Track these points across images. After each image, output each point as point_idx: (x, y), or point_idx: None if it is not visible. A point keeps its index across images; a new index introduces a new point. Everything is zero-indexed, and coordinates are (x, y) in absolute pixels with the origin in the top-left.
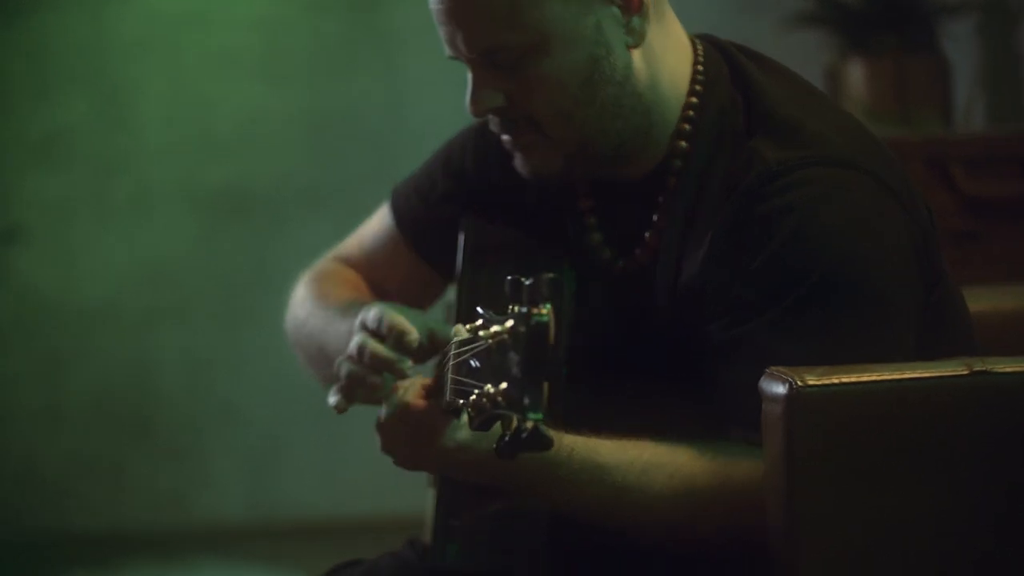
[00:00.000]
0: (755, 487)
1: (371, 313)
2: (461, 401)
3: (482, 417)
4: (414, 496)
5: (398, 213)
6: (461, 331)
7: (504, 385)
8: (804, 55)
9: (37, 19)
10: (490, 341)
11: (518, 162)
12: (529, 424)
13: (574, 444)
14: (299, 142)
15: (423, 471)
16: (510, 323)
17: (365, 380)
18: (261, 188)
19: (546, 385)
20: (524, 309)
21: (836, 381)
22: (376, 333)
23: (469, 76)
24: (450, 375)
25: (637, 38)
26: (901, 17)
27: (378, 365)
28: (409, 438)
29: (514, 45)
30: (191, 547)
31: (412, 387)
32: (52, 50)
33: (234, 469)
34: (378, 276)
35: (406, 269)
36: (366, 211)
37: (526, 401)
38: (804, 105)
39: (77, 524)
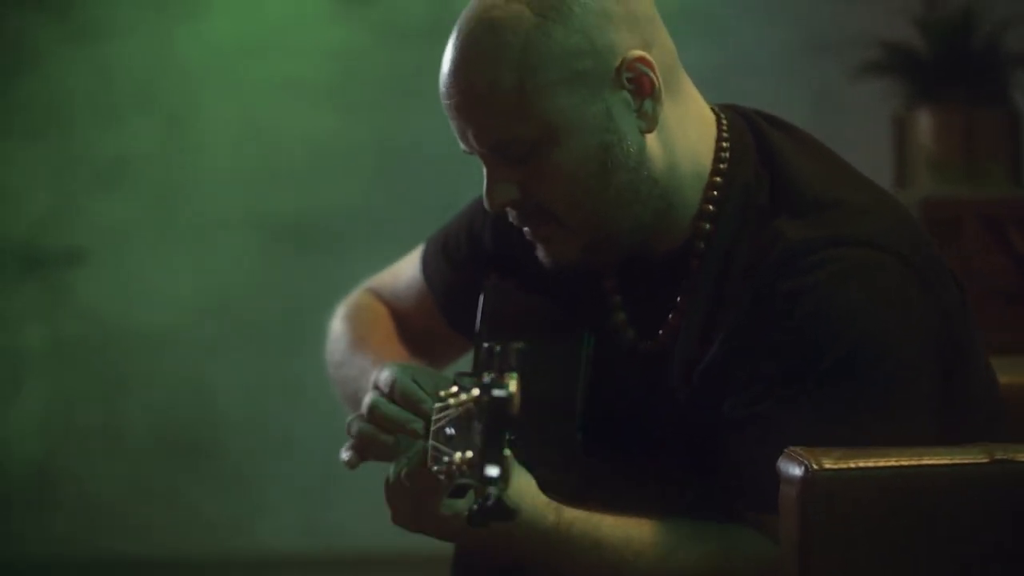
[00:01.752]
0: (752, 574)
1: (384, 375)
2: (435, 468)
3: (454, 485)
4: None
5: (427, 270)
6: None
7: (470, 454)
8: (872, 103)
9: (105, 43)
10: (460, 409)
11: (540, 253)
12: (492, 494)
13: (575, 518)
14: (367, 172)
15: (424, 535)
16: (476, 391)
17: (376, 439)
18: (327, 218)
19: (508, 456)
20: (489, 379)
21: (853, 465)
22: (389, 395)
23: (484, 171)
24: (431, 440)
25: (650, 122)
26: (972, 68)
27: (388, 427)
28: (410, 504)
29: (523, 138)
30: (246, 575)
31: (416, 455)
32: (119, 75)
33: (292, 497)
34: (406, 320)
35: (431, 323)
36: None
37: (487, 472)
38: (833, 181)
39: (133, 549)
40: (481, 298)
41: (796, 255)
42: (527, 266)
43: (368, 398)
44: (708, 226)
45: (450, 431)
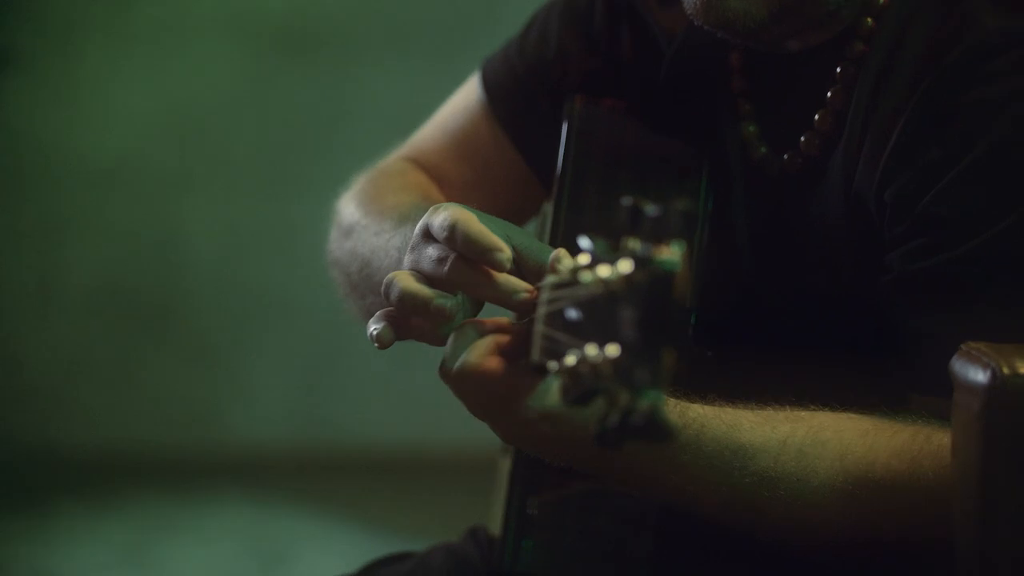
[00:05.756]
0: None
1: (439, 217)
2: (553, 364)
3: (580, 389)
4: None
5: (490, 82)
6: (563, 263)
7: (614, 350)
8: None
9: None
10: (596, 287)
11: (699, 8)
12: (643, 406)
13: (705, 418)
14: None
15: (501, 439)
16: (627, 266)
17: (428, 306)
18: (328, 20)
19: (669, 355)
20: (646, 250)
21: None
22: (448, 242)
23: None
24: (541, 326)
25: None
26: None
27: (452, 282)
28: (483, 401)
29: None
30: (216, 476)
31: (480, 343)
32: None
33: (276, 381)
34: (459, 175)
35: (498, 163)
36: (464, 53)
37: (639, 376)
38: None
39: (72, 441)
40: (565, 124)
41: (990, 51)
42: (636, 68)
43: (421, 250)
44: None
45: (573, 315)
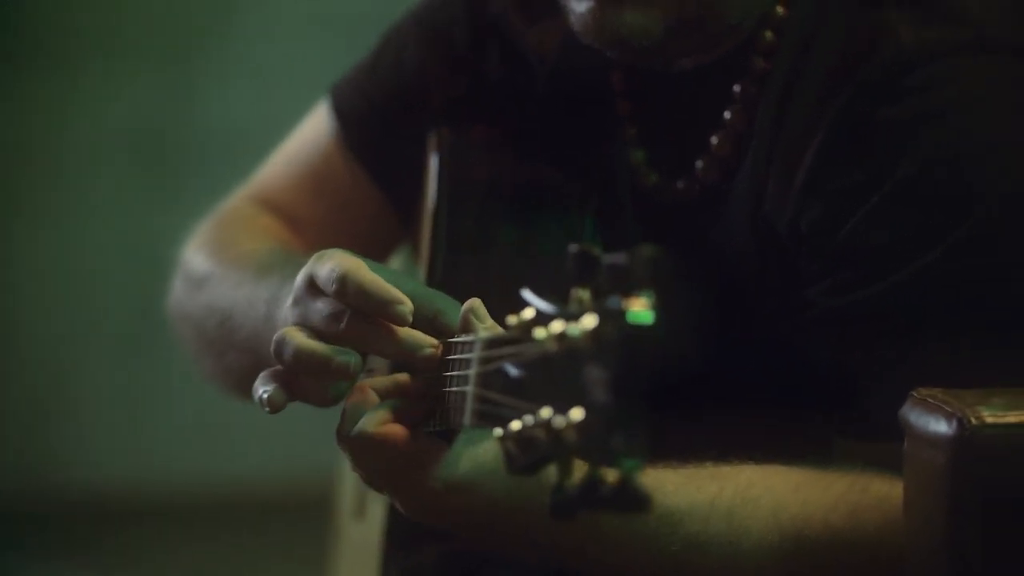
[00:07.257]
0: (895, 533)
1: (324, 268)
2: (499, 431)
3: (533, 457)
4: (266, 469)
5: (341, 110)
6: (486, 321)
7: (579, 413)
8: None
9: None
10: (551, 346)
11: (591, 16)
12: (614, 475)
13: None
14: None
15: (404, 512)
16: (591, 321)
17: (328, 364)
18: (54, 29)
19: (646, 417)
20: (616, 302)
21: None
22: (340, 299)
23: None
24: (474, 388)
25: None
26: None
27: (349, 339)
28: (383, 470)
29: None
30: None
31: (381, 408)
32: None
33: None
34: (313, 215)
35: (354, 199)
36: (193, 64)
37: (614, 442)
38: None
39: None
40: (434, 157)
41: (908, 65)
42: (507, 91)
43: (317, 303)
44: (781, 10)
45: (516, 375)
